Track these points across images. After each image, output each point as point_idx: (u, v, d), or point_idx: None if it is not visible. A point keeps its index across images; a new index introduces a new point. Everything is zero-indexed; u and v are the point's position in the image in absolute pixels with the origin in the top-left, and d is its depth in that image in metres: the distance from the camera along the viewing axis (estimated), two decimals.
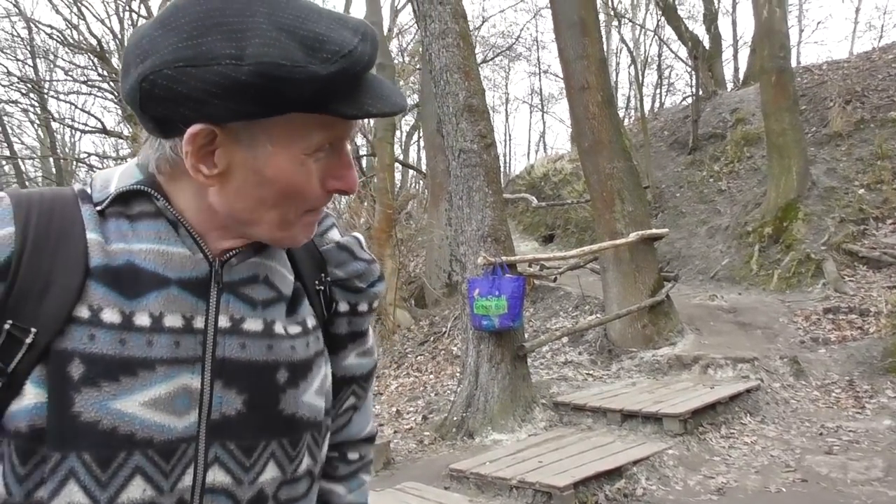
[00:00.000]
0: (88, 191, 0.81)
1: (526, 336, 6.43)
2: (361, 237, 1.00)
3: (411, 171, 20.24)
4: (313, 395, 0.86)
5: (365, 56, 0.71)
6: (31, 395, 0.71)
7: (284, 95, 0.69)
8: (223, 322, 0.79)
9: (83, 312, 0.73)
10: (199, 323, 0.78)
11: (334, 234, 0.96)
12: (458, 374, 6.66)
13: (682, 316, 7.31)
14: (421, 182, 19.04)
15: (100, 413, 0.71)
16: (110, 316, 0.74)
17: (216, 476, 0.78)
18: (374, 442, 1.10)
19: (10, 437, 0.72)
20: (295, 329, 0.86)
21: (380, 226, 11.28)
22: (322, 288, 0.93)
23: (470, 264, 5.76)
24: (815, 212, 9.15)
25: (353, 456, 1.06)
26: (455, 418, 5.78)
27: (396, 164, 14.39)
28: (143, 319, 0.75)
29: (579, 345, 7.49)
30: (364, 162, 14.77)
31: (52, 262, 0.74)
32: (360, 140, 14.85)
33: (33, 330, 0.72)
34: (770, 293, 8.54)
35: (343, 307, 0.95)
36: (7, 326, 0.72)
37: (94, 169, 22.77)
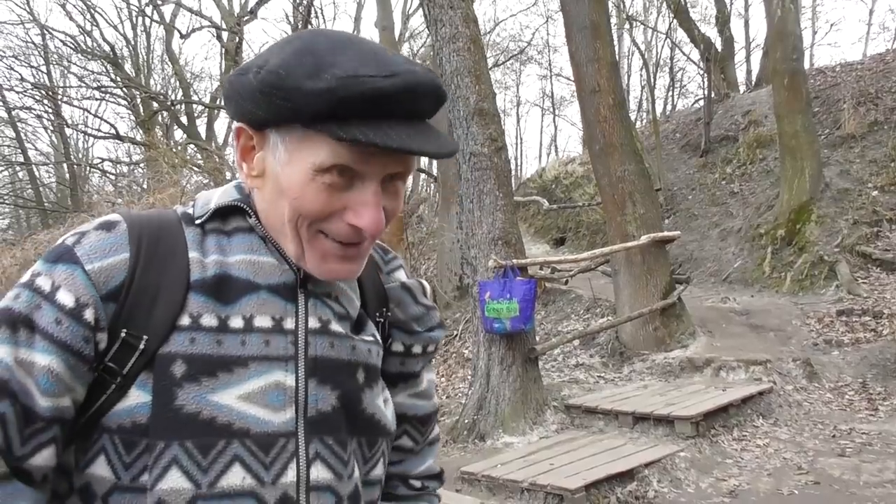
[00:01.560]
0: (190, 212, 0.89)
1: (537, 339, 6.43)
2: (427, 285, 1.03)
3: (422, 175, 20.28)
4: (382, 404, 0.92)
5: (378, 88, 0.73)
6: (135, 397, 0.78)
7: (279, 106, 0.75)
8: (313, 323, 0.85)
9: (185, 321, 0.80)
10: (289, 324, 0.83)
11: (400, 275, 1.01)
12: (469, 377, 6.67)
13: (694, 318, 7.29)
14: (432, 185, 19.09)
15: (200, 405, 0.78)
16: (208, 321, 0.80)
17: (319, 473, 0.82)
18: (439, 479, 1.11)
19: (113, 433, 0.78)
20: (368, 337, 0.91)
21: (391, 229, 11.33)
22: (381, 321, 0.96)
23: (481, 267, 5.77)
24: (829, 214, 9.10)
25: (415, 483, 1.07)
26: (466, 421, 5.80)
27: None
28: (236, 322, 0.81)
29: (591, 347, 7.48)
30: None
31: (159, 279, 0.81)
32: None
33: (145, 337, 0.79)
34: (783, 295, 8.49)
35: (397, 347, 0.98)
36: (123, 334, 0.79)
37: (108, 174, 22.97)
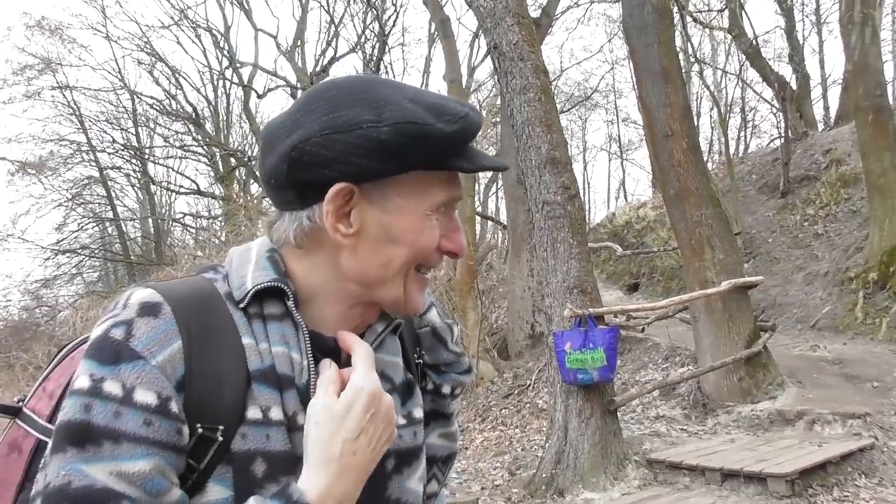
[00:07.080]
0: (227, 287, 0.85)
1: (615, 389, 6.24)
2: (456, 329, 1.04)
3: (490, 223, 20.34)
4: (416, 482, 0.92)
5: (477, 121, 0.83)
6: (215, 492, 0.77)
7: (415, 152, 0.79)
8: None
9: (256, 413, 0.79)
10: None
11: (433, 317, 1.01)
12: (544, 429, 6.51)
13: (781, 368, 6.94)
14: (500, 233, 19.10)
15: None
16: (277, 414, 0.80)
17: None
18: None
19: None
20: (402, 420, 0.91)
21: (461, 277, 11.33)
22: (420, 361, 1.00)
23: (556, 316, 5.67)
24: None
25: None
26: (544, 475, 5.63)
27: (476, 216, 14.51)
28: (296, 420, 0.81)
29: (671, 398, 7.20)
30: None
31: (218, 366, 0.79)
32: None
33: (221, 427, 0.77)
34: (879, 343, 8.00)
35: (429, 385, 1.01)
36: (199, 428, 0.76)
37: (189, 228, 23.99)
